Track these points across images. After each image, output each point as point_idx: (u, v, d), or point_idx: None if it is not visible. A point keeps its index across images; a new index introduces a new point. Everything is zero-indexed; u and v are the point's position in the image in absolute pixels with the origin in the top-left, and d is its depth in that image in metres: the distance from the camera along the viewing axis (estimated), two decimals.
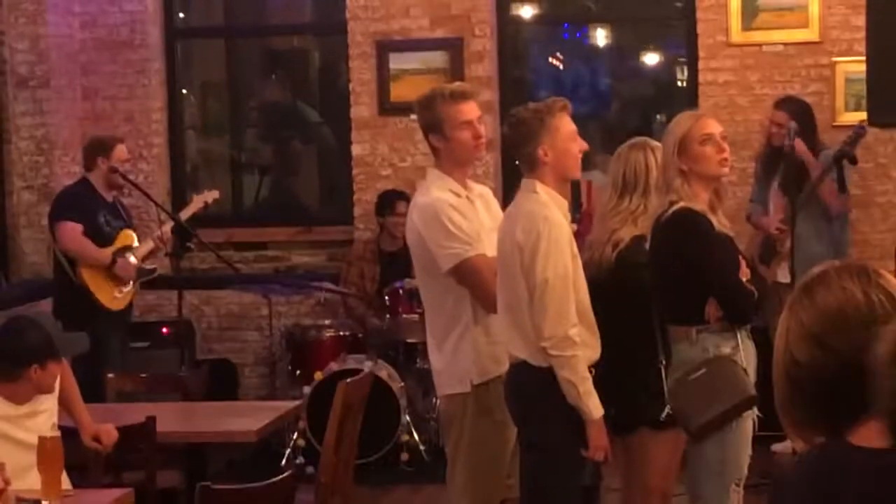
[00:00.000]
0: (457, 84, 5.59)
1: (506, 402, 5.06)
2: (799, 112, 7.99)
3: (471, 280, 5.10)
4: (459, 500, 5.23)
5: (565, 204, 5.00)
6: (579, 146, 5.00)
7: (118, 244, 7.92)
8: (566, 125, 4.97)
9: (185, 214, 8.22)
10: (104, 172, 7.93)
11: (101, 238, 7.88)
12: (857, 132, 7.59)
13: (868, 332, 2.10)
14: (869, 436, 2.12)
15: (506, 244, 4.94)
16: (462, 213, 5.14)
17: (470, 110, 5.23)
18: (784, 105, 8.14)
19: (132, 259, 7.95)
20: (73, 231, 7.83)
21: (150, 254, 8.11)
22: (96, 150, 8.00)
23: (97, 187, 7.97)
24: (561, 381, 4.81)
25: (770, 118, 8.20)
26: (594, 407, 4.85)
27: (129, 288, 7.98)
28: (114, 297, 7.89)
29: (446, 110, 5.18)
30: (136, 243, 8.03)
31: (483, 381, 5.13)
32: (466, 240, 5.09)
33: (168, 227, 8.05)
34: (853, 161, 7.66)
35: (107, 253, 7.86)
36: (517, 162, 5.10)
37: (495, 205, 5.45)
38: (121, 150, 8.01)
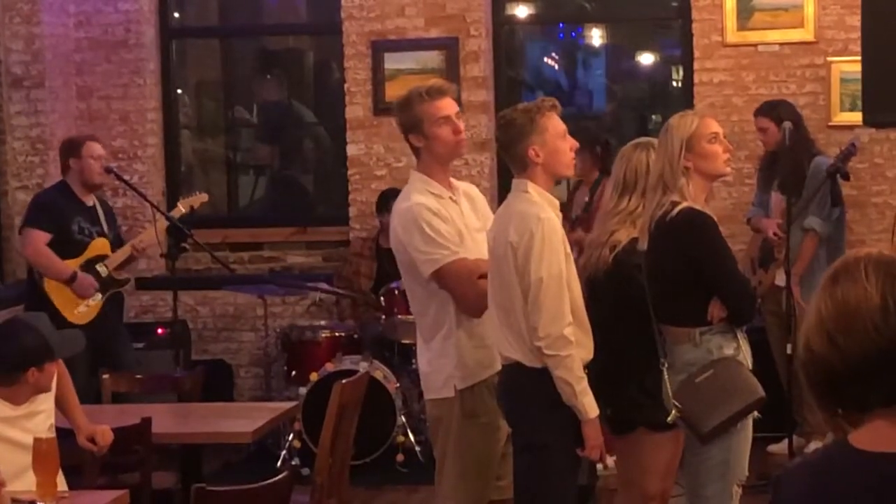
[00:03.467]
0: (432, 81, 5.57)
1: (498, 404, 5.06)
2: (779, 113, 7.99)
3: (451, 285, 5.08)
4: (444, 502, 5.22)
5: (557, 203, 5.00)
6: (570, 144, 5.00)
7: (89, 254, 7.74)
8: (556, 124, 4.97)
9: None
10: (79, 169, 7.75)
11: (73, 246, 7.69)
12: (849, 150, 7.68)
13: (878, 336, 2.09)
14: (870, 438, 2.11)
15: (498, 245, 4.94)
16: (441, 217, 5.11)
17: (447, 106, 5.20)
18: (764, 110, 8.14)
19: (102, 270, 7.74)
20: (36, 241, 7.63)
21: (127, 262, 7.92)
22: (66, 152, 7.81)
23: (75, 190, 7.78)
24: (556, 381, 4.81)
25: (755, 125, 8.22)
26: (590, 406, 4.84)
27: (94, 302, 7.77)
28: (77, 312, 7.69)
29: (424, 108, 5.16)
30: (109, 252, 7.81)
31: (467, 386, 5.12)
32: (445, 245, 5.06)
33: (149, 233, 7.89)
34: (845, 177, 7.73)
35: (68, 268, 7.64)
36: (508, 163, 5.10)
37: (482, 202, 5.42)
38: (91, 148, 7.74)
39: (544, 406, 4.86)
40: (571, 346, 4.81)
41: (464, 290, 5.07)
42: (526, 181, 4.95)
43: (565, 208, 7.21)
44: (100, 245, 7.81)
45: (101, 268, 7.78)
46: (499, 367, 5.06)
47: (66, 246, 7.68)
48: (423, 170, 5.23)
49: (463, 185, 5.40)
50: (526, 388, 4.90)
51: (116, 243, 7.92)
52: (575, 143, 5.03)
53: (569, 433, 4.88)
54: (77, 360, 7.47)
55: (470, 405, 5.12)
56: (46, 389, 4.89)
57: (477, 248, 5.14)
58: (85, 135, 8.06)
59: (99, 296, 7.80)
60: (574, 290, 4.93)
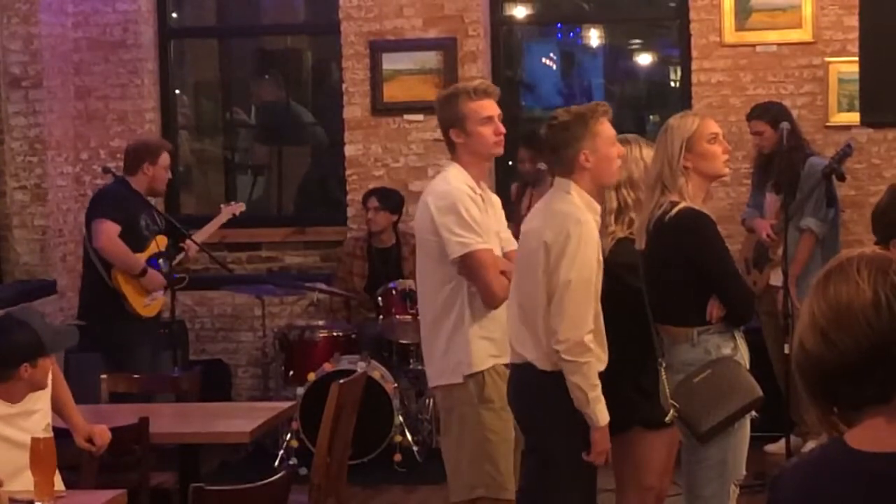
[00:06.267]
0: (479, 81, 5.67)
1: (509, 404, 5.08)
2: (774, 115, 8.00)
3: (475, 272, 5.13)
4: (472, 491, 5.20)
5: (598, 209, 5.00)
6: (618, 151, 5.00)
7: (152, 249, 7.82)
8: (607, 130, 4.97)
9: (212, 227, 8.27)
10: (150, 176, 7.81)
11: (140, 241, 7.76)
12: (845, 151, 7.69)
13: (871, 330, 2.10)
14: (866, 437, 2.11)
15: (530, 242, 4.94)
16: (479, 206, 5.21)
17: (491, 107, 5.32)
18: (758, 113, 8.15)
19: (164, 266, 7.85)
20: (109, 231, 7.68)
21: (180, 263, 8.04)
22: (143, 156, 7.86)
23: (138, 190, 7.84)
24: (570, 387, 4.81)
25: (749, 129, 8.22)
26: (600, 414, 4.85)
27: (160, 295, 7.90)
28: (145, 305, 7.79)
29: (470, 106, 5.27)
30: (164, 249, 7.90)
31: (475, 372, 5.14)
32: (479, 231, 5.14)
33: (196, 240, 8.05)
34: (841, 178, 7.73)
35: (140, 262, 7.73)
36: (553, 163, 5.08)
37: (500, 208, 5.49)
38: (165, 158, 7.87)
39: (554, 411, 4.88)
40: (590, 354, 4.81)
41: (489, 278, 5.13)
42: (570, 182, 4.95)
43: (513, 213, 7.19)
44: (161, 242, 7.90)
45: (161, 264, 7.86)
46: (505, 359, 5.11)
47: (133, 240, 7.75)
48: (459, 164, 5.31)
49: (488, 193, 5.46)
50: (536, 392, 4.93)
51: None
52: (622, 151, 5.03)
53: (577, 439, 4.88)
54: (140, 354, 7.64)
55: (482, 391, 5.16)
56: (42, 386, 4.89)
57: (496, 248, 5.23)
58: (161, 142, 8.11)
59: (162, 291, 7.91)
60: (598, 299, 4.93)
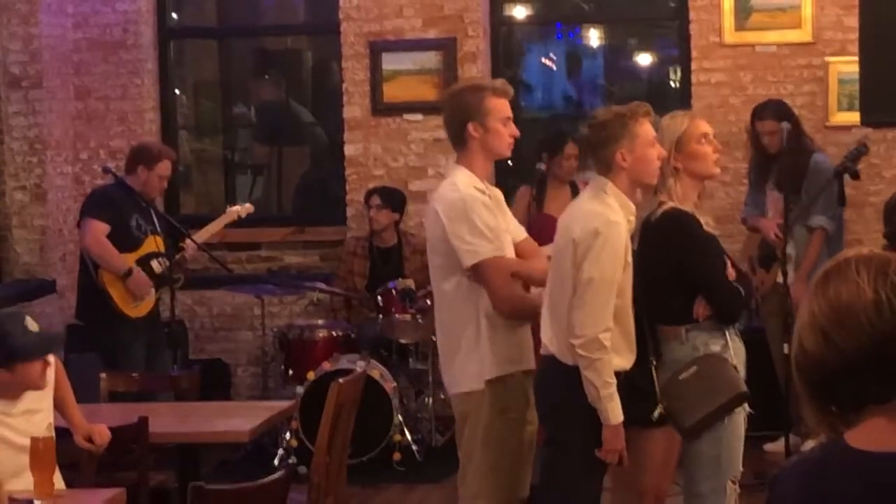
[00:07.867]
0: (500, 81, 5.62)
1: (534, 392, 5.10)
2: (783, 113, 8.00)
3: (489, 280, 5.09)
4: (474, 500, 5.20)
5: (633, 210, 5.01)
6: (658, 152, 5.00)
7: (144, 249, 7.82)
8: (647, 131, 4.97)
9: (215, 226, 8.22)
10: (143, 180, 7.82)
11: (131, 241, 7.76)
12: (860, 150, 7.67)
13: (872, 330, 2.10)
14: (867, 437, 2.11)
15: (561, 237, 4.98)
16: (490, 211, 5.16)
17: (509, 108, 5.29)
18: (765, 112, 8.13)
19: (156, 267, 7.83)
20: (95, 231, 7.69)
21: (176, 263, 7.99)
22: (140, 158, 7.88)
23: (134, 188, 7.85)
24: (584, 382, 4.84)
25: (758, 129, 8.17)
26: (612, 411, 4.86)
27: (149, 297, 7.87)
28: (133, 306, 7.78)
29: (495, 102, 5.22)
30: (163, 249, 7.90)
31: (497, 377, 5.12)
32: (491, 238, 5.10)
33: (196, 239, 8.03)
34: (855, 176, 7.72)
35: (125, 263, 7.71)
36: (593, 162, 5.09)
37: (505, 206, 5.45)
38: (163, 167, 7.84)
39: (571, 404, 4.90)
40: (604, 351, 4.82)
41: (500, 285, 5.10)
42: (607, 182, 4.96)
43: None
44: (154, 242, 7.88)
45: (155, 264, 7.85)
46: (529, 365, 5.14)
47: (123, 240, 7.75)
48: (465, 164, 5.25)
49: (492, 189, 5.42)
50: (556, 384, 4.95)
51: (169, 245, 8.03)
52: (663, 152, 5.02)
53: (591, 434, 4.90)
54: (133, 354, 7.63)
55: (500, 400, 5.14)
56: (34, 387, 4.81)
57: (508, 249, 5.20)
58: (164, 150, 8.06)
59: (153, 291, 7.88)
60: (626, 299, 4.95)
